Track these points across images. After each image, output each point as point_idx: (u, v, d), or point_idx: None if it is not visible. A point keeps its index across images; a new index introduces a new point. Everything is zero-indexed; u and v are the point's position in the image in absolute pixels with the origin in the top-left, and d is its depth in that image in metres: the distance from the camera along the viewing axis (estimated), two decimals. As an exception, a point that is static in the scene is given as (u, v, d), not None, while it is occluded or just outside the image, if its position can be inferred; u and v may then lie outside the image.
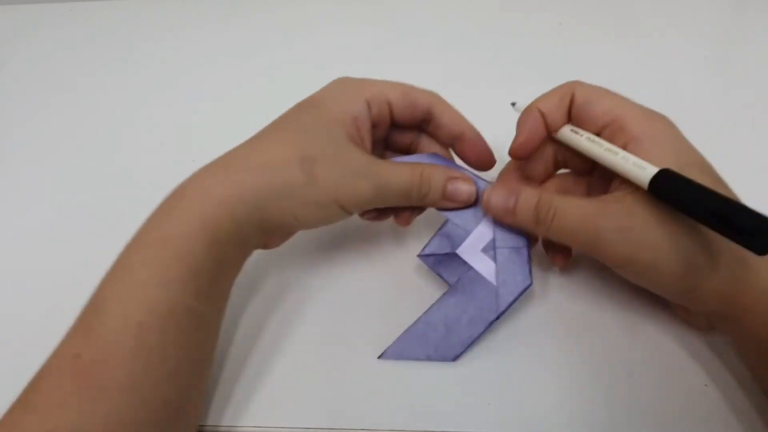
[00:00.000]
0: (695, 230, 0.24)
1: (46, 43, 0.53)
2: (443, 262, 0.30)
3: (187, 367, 0.25)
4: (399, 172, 0.28)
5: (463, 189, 0.29)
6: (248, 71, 0.48)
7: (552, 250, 0.31)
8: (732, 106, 0.41)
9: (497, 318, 0.28)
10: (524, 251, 0.29)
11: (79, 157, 0.43)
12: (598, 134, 0.27)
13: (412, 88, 0.30)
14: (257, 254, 0.30)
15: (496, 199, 0.28)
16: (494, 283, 0.29)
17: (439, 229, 0.30)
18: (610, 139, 0.27)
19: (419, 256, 0.30)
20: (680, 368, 0.28)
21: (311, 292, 0.33)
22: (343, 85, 0.30)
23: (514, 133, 0.41)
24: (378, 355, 0.30)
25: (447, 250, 0.30)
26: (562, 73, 0.44)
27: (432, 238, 0.30)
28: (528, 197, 0.27)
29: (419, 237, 0.35)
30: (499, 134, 0.40)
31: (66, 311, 0.25)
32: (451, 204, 0.29)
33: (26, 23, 0.56)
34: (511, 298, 0.28)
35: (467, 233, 0.30)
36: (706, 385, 0.28)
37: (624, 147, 0.26)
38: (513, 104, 0.32)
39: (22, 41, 0.54)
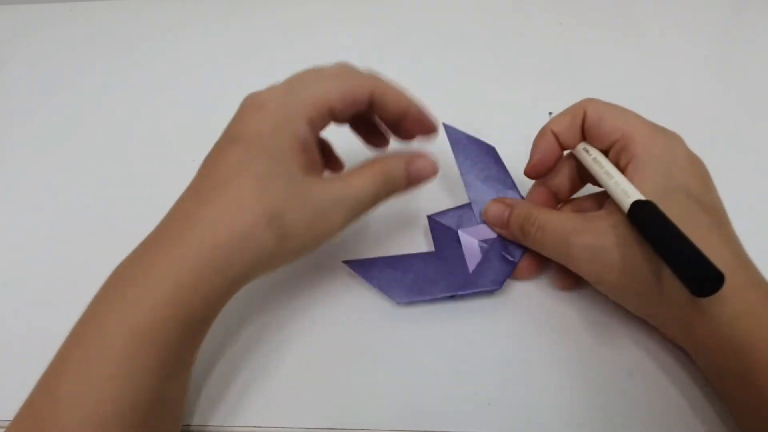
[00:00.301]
0: (659, 261, 0.25)
1: (46, 43, 0.53)
2: (442, 232, 0.33)
3: None
4: (362, 182, 0.27)
5: (424, 165, 0.29)
6: (248, 71, 0.48)
7: (558, 272, 0.31)
8: (732, 106, 0.41)
9: (453, 296, 0.31)
10: (513, 264, 0.31)
11: (79, 157, 0.43)
12: (607, 151, 0.29)
13: (348, 82, 0.27)
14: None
15: (494, 211, 0.31)
16: (470, 270, 0.31)
17: (458, 207, 0.33)
18: (617, 157, 0.28)
19: (428, 216, 0.33)
20: (680, 368, 0.28)
21: (311, 290, 0.33)
22: (278, 107, 0.26)
23: (513, 134, 0.41)
24: (342, 260, 0.32)
25: (452, 226, 0.32)
26: (562, 73, 0.45)
27: (448, 211, 0.33)
28: (519, 211, 0.30)
29: (416, 240, 0.35)
30: (499, 134, 0.40)
31: (66, 311, 0.25)
32: (420, 184, 0.29)
33: (26, 23, 0.56)
34: (475, 290, 0.31)
35: (476, 223, 0.32)
36: (706, 384, 0.28)
37: (626, 165, 0.27)
38: (550, 114, 0.32)
39: (22, 41, 0.54)
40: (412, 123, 0.29)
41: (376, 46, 0.49)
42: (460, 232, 0.32)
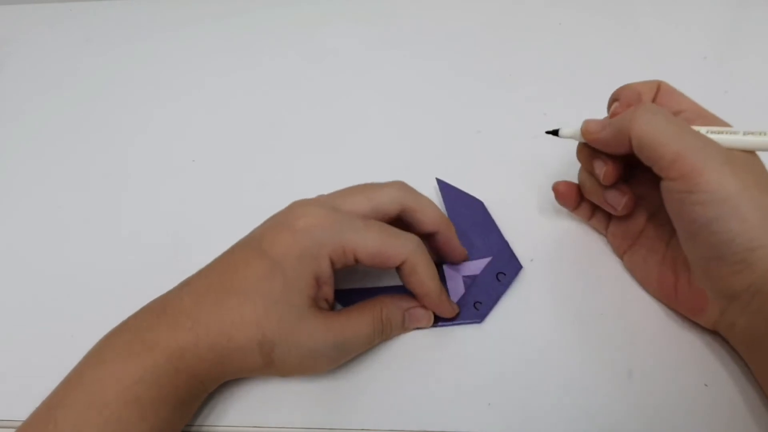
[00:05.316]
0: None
1: (46, 43, 0.53)
2: None
3: None
4: (360, 326, 0.28)
5: (420, 315, 0.30)
6: (248, 71, 0.48)
7: (614, 190, 0.30)
8: (732, 106, 0.41)
9: (435, 326, 0.31)
10: (496, 299, 0.31)
11: (78, 156, 0.43)
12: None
13: (386, 242, 0.27)
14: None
15: (593, 125, 0.29)
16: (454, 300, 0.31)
17: None
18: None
19: None
20: (680, 368, 0.28)
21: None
22: (310, 237, 0.26)
23: (513, 134, 0.41)
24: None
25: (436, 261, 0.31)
26: (562, 73, 0.45)
27: None
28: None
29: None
30: (499, 134, 0.40)
31: (65, 312, 0.25)
32: (411, 329, 0.31)
33: (26, 23, 0.56)
34: (456, 322, 0.30)
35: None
36: (706, 384, 0.28)
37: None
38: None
39: (22, 41, 0.54)
40: (440, 245, 0.31)
41: (376, 46, 0.49)
42: (444, 266, 0.32)
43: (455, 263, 0.32)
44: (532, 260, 0.33)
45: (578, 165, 0.32)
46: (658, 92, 0.29)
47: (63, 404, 0.24)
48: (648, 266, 0.31)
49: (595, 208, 0.33)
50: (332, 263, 0.27)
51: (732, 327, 0.27)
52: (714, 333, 0.29)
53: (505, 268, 0.32)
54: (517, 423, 0.27)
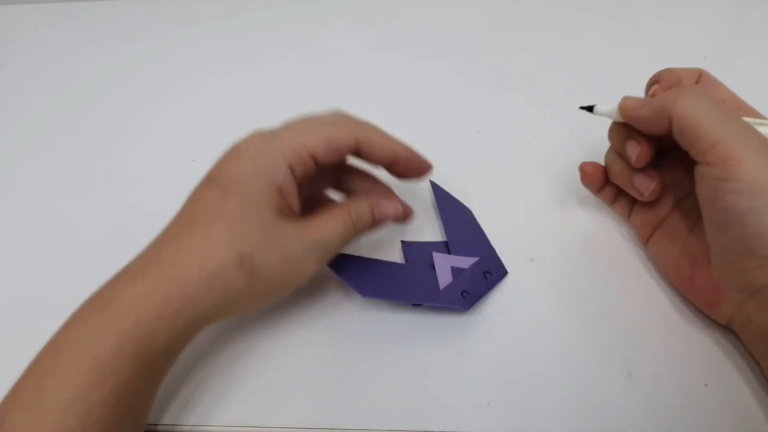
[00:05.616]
0: None
1: (46, 43, 0.53)
2: (416, 253, 0.33)
3: None
4: (332, 227, 0.28)
5: (388, 208, 0.30)
6: (248, 71, 0.48)
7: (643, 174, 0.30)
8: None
9: (418, 305, 0.31)
10: (485, 290, 0.31)
11: (78, 156, 0.43)
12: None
13: (333, 130, 0.28)
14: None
15: (632, 102, 0.28)
16: (440, 287, 0.31)
17: (434, 242, 0.34)
18: None
19: (402, 241, 0.34)
20: (680, 368, 0.28)
21: (311, 289, 0.33)
22: (258, 151, 0.27)
23: (513, 134, 0.41)
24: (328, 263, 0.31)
25: (425, 248, 0.33)
26: (562, 73, 0.45)
27: (423, 242, 0.34)
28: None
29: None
30: (499, 134, 0.40)
31: (65, 312, 0.25)
32: (385, 223, 0.31)
33: (26, 23, 0.56)
34: (442, 304, 0.31)
35: (450, 252, 0.33)
36: (706, 384, 0.28)
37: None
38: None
39: (22, 41, 0.54)
40: (404, 167, 0.30)
41: (376, 46, 0.49)
42: (434, 253, 0.32)
43: (421, 176, 0.31)
44: (532, 260, 0.33)
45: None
46: (699, 80, 0.29)
47: (24, 380, 0.23)
48: (667, 255, 0.30)
49: (618, 193, 0.33)
50: (292, 170, 0.27)
51: (749, 323, 0.26)
52: (714, 333, 0.29)
53: (491, 269, 0.32)
54: (517, 423, 0.27)
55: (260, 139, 0.28)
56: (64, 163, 0.42)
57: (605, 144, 0.32)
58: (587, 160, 0.33)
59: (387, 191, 0.32)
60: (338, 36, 0.50)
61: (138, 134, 0.44)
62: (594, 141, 0.34)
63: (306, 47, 0.49)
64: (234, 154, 0.27)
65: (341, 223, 0.28)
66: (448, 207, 0.35)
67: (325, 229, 0.28)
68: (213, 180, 0.27)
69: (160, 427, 0.28)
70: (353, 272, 0.31)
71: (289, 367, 0.30)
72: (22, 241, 0.38)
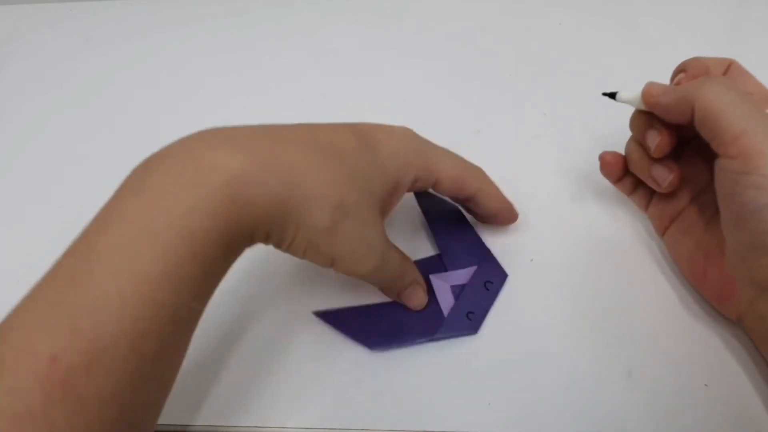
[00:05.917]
0: None
1: (46, 43, 0.53)
2: None
3: (171, 371, 0.23)
4: (395, 259, 0.28)
5: (416, 296, 0.30)
6: (248, 71, 0.48)
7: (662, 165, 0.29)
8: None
9: (426, 341, 0.30)
10: (487, 309, 0.31)
11: (78, 157, 0.43)
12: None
13: (464, 169, 0.29)
14: (258, 251, 0.30)
15: (656, 88, 0.28)
16: (444, 314, 0.30)
17: (427, 258, 0.33)
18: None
19: None
20: (680, 368, 0.28)
21: (311, 289, 0.33)
22: (406, 139, 0.28)
23: (513, 134, 0.41)
24: (313, 311, 0.31)
25: (422, 272, 0.31)
26: (562, 74, 0.45)
27: (416, 261, 0.32)
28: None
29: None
30: (499, 134, 0.40)
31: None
32: (400, 301, 0.31)
33: (26, 23, 0.56)
34: (451, 333, 0.30)
35: (445, 271, 0.32)
36: (706, 384, 0.28)
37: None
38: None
39: (22, 41, 0.54)
40: (496, 219, 0.32)
41: (376, 46, 0.49)
42: (431, 277, 0.31)
43: (505, 225, 0.33)
44: (531, 260, 0.33)
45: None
46: (728, 70, 0.28)
47: (105, 232, 0.22)
48: (681, 248, 0.30)
49: (637, 184, 0.32)
50: (414, 180, 0.28)
51: (760, 319, 0.26)
52: (714, 333, 0.29)
53: (491, 276, 0.32)
54: (517, 423, 0.27)
55: (411, 134, 0.28)
56: (64, 163, 0.42)
57: (605, 144, 0.32)
58: (587, 160, 0.33)
59: None
60: (338, 36, 0.50)
61: (138, 134, 0.44)
62: (594, 141, 0.35)
63: (306, 47, 0.49)
64: (386, 129, 0.28)
65: (399, 265, 0.29)
66: (436, 212, 0.34)
67: (391, 255, 0.28)
68: (357, 130, 0.26)
69: (166, 428, 0.28)
70: (355, 325, 0.30)
71: (288, 366, 0.30)
72: (22, 241, 0.38)
